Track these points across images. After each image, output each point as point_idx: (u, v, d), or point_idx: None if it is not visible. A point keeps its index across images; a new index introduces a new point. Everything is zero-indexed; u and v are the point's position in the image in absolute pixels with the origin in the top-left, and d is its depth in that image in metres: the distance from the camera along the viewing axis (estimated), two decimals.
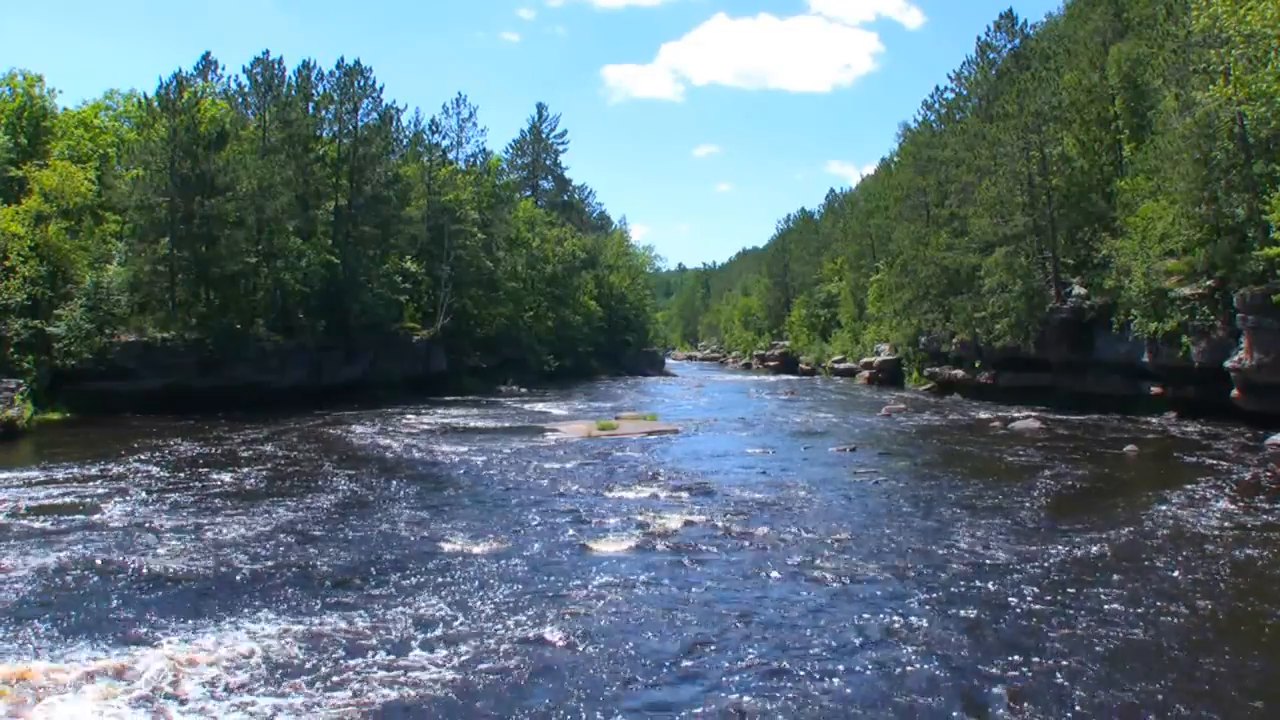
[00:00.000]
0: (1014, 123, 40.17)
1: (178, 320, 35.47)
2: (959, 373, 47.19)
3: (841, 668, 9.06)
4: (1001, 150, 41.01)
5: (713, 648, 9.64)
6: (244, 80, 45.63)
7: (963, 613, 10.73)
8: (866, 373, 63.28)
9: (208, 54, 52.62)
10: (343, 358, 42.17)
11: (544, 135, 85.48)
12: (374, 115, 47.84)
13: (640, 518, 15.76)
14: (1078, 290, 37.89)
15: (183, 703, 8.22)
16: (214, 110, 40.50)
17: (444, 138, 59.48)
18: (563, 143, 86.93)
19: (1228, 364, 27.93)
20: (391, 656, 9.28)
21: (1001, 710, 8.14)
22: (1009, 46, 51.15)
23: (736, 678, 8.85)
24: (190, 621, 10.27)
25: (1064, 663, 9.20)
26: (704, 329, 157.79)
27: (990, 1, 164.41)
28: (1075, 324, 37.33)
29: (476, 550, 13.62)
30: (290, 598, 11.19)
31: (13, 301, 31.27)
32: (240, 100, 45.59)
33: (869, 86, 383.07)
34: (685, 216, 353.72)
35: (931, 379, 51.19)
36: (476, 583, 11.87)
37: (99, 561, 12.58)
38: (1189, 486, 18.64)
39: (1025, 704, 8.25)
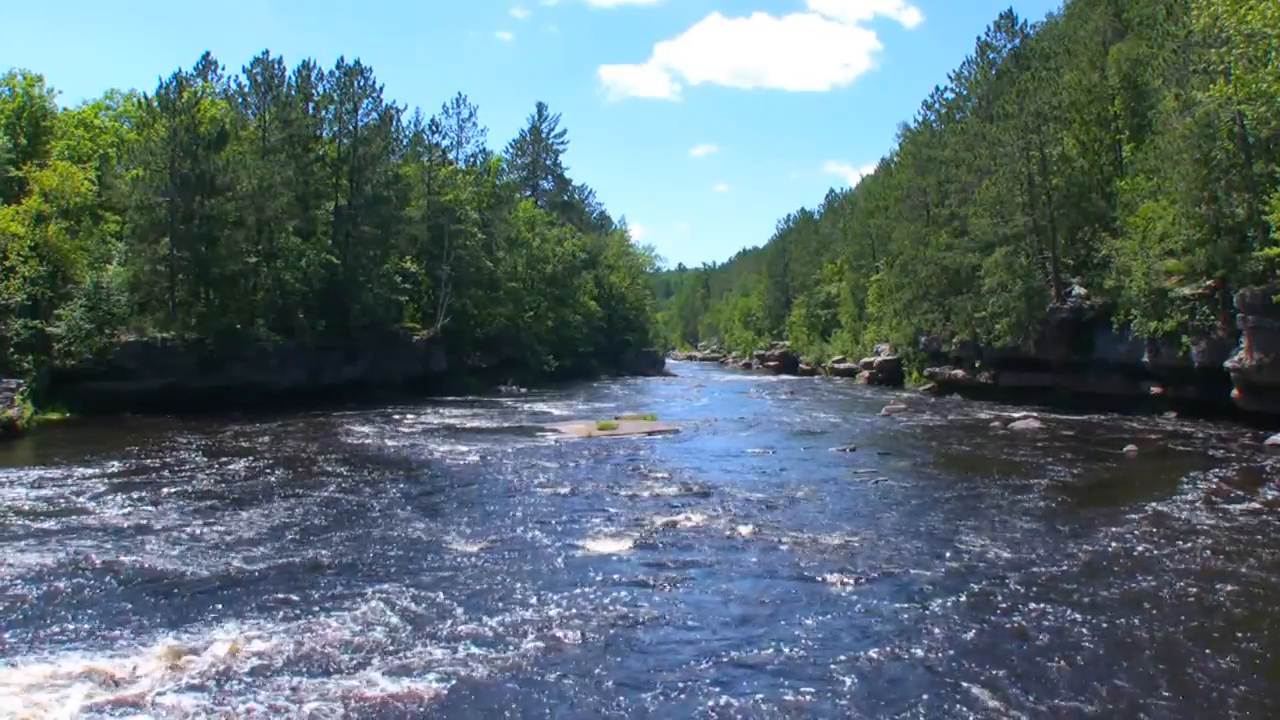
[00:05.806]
0: (1014, 123, 40.19)
1: (178, 320, 35.48)
2: (959, 373, 47.20)
3: (841, 668, 9.05)
4: (1001, 150, 41.03)
5: (712, 648, 9.63)
6: (244, 80, 45.70)
7: (964, 613, 10.73)
8: (866, 373, 63.30)
9: (208, 54, 52.76)
10: (343, 358, 42.14)
11: (544, 135, 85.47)
12: (374, 115, 47.83)
13: (640, 518, 15.77)
14: (1078, 290, 37.89)
15: (181, 702, 8.22)
16: (214, 110, 40.54)
17: (444, 138, 59.55)
18: (562, 143, 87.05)
19: (1228, 364, 27.93)
20: (390, 655, 9.28)
21: (1002, 709, 8.14)
22: (1009, 46, 51.17)
23: (734, 678, 8.85)
24: (189, 620, 10.27)
25: (1066, 661, 9.21)
26: (704, 329, 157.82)
27: (989, 1, 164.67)
28: (1075, 324, 37.35)
29: (476, 550, 13.62)
30: (289, 597, 11.18)
31: (13, 301, 31.25)
32: (240, 100, 45.59)
33: (867, 86, 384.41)
34: (684, 216, 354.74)
35: (931, 379, 51.20)
36: (475, 582, 11.88)
37: (98, 561, 12.59)
38: (1189, 486, 18.64)
39: (1026, 703, 8.25)
